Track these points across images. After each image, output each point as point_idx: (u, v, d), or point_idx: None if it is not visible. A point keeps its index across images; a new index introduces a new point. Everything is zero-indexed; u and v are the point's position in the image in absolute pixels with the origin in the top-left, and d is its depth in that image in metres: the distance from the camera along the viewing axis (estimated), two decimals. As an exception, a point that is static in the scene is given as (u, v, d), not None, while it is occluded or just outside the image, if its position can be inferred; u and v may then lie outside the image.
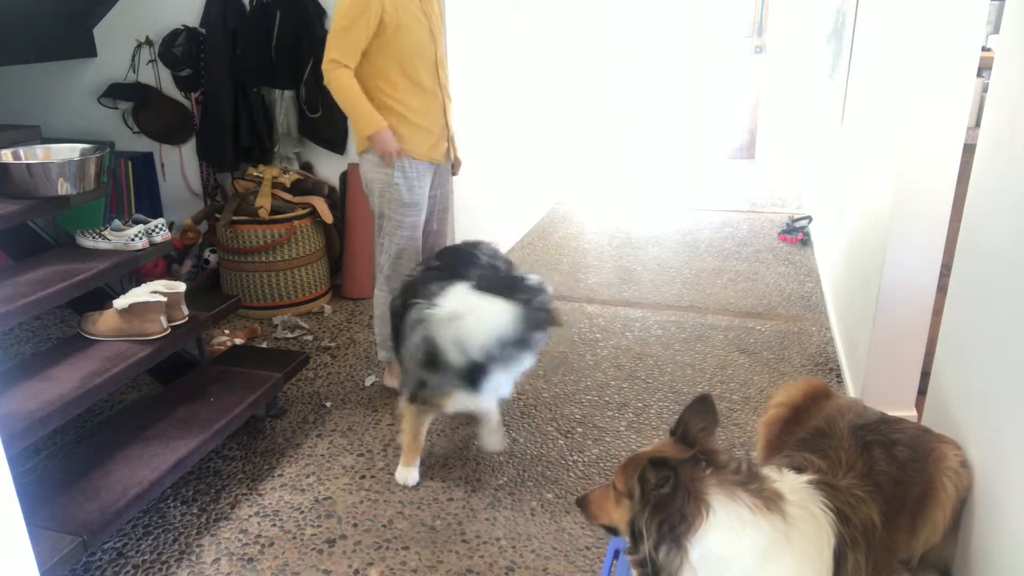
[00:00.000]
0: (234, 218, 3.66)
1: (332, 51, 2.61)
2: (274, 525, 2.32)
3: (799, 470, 1.70)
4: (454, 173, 3.10)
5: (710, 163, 7.07)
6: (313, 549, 2.21)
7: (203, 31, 3.89)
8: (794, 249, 4.74)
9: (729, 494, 1.50)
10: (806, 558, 1.53)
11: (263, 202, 3.67)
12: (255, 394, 2.63)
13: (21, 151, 2.66)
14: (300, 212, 3.74)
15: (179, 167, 4.25)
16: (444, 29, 2.92)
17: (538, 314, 2.31)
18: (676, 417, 1.68)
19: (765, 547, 1.50)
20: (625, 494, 1.59)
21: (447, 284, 2.37)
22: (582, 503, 1.76)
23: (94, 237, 2.70)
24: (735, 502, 1.50)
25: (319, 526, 2.31)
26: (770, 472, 1.64)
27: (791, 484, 1.62)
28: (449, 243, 3.05)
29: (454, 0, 3.60)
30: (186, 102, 4.08)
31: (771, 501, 1.53)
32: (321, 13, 3.71)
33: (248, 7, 3.80)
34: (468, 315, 2.26)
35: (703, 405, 1.63)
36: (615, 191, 6.26)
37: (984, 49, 2.33)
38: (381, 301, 2.95)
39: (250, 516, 2.36)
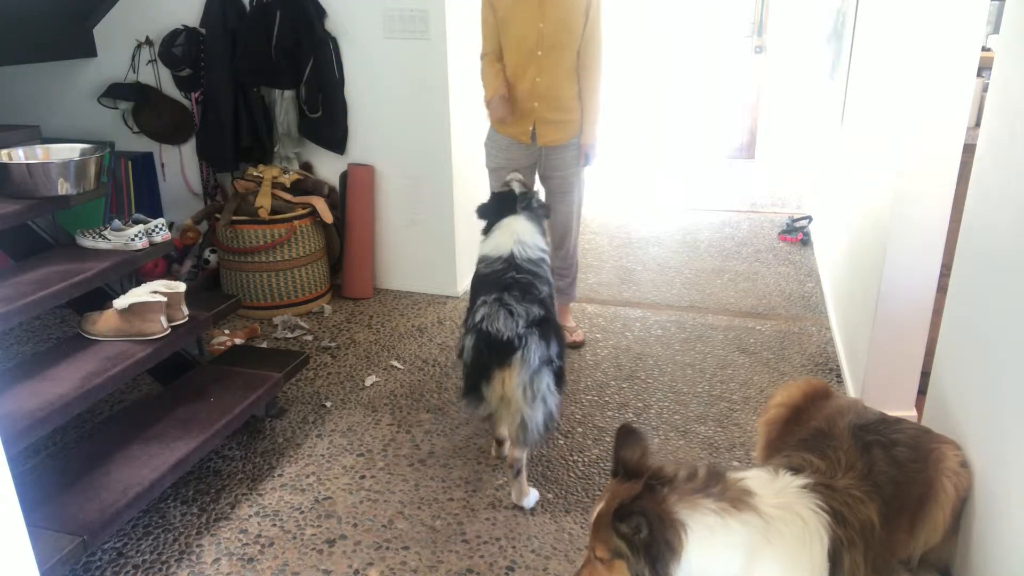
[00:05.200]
0: (234, 218, 3.66)
1: (482, 47, 3.14)
2: (274, 525, 2.32)
3: (797, 470, 1.70)
4: (586, 164, 3.27)
5: (710, 163, 7.07)
6: (313, 549, 2.21)
7: (203, 31, 3.89)
8: (794, 249, 4.74)
9: (692, 506, 1.49)
10: (793, 559, 1.53)
11: (263, 202, 3.67)
12: (255, 394, 2.63)
13: (21, 151, 2.67)
14: (300, 212, 3.74)
15: (179, 167, 4.25)
16: (588, 23, 3.04)
17: None
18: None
19: (746, 548, 1.49)
20: (611, 556, 1.54)
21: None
22: None
23: (94, 237, 2.70)
24: (699, 512, 1.49)
25: (319, 526, 2.31)
26: (735, 472, 1.64)
27: (777, 487, 1.62)
28: (572, 229, 3.39)
29: (456, 3, 3.60)
30: (186, 102, 4.08)
31: (738, 500, 1.52)
32: (321, 13, 3.71)
33: (248, 7, 3.80)
34: None
35: (628, 434, 1.62)
36: (615, 191, 6.26)
37: (984, 49, 2.33)
38: None
39: (250, 516, 2.36)
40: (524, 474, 2.36)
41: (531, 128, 3.13)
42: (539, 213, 2.84)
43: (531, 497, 2.38)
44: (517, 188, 2.91)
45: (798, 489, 1.62)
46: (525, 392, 2.22)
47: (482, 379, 2.26)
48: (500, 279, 2.47)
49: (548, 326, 2.32)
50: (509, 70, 3.08)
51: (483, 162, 3.34)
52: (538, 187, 3.38)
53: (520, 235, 2.66)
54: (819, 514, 1.58)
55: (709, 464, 1.61)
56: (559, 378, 2.35)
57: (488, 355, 2.24)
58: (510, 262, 2.56)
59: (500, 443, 2.59)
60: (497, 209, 2.83)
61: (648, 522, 1.45)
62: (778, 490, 1.61)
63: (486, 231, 2.83)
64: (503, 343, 2.22)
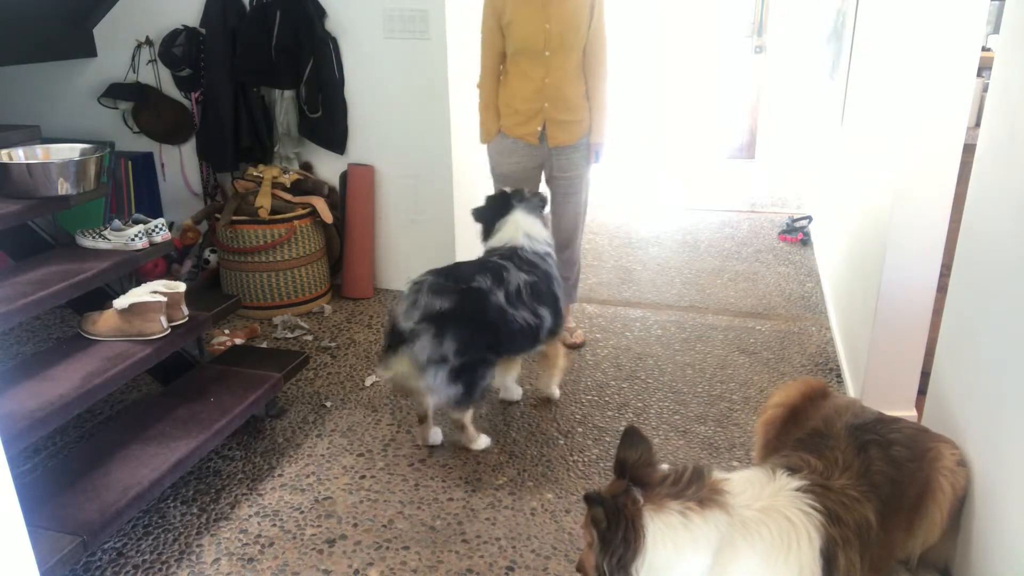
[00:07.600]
0: (234, 218, 3.67)
1: (481, 68, 3.15)
2: (274, 525, 2.32)
3: (795, 470, 1.70)
4: (595, 161, 3.28)
5: (710, 163, 7.07)
6: (313, 549, 2.21)
7: (203, 31, 3.89)
8: (794, 249, 4.74)
9: (657, 508, 1.54)
10: (775, 557, 1.54)
11: (263, 202, 3.67)
12: (255, 394, 2.63)
13: (21, 151, 2.67)
14: (300, 212, 3.74)
15: (179, 167, 4.25)
16: (593, 22, 3.06)
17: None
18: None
19: (712, 544, 1.53)
20: (591, 542, 1.62)
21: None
22: (580, 567, 1.78)
23: (94, 237, 2.70)
24: (663, 513, 1.53)
25: (319, 526, 2.31)
26: (721, 472, 1.67)
27: (771, 489, 1.63)
28: (578, 231, 3.39)
29: (456, 3, 3.60)
30: (186, 102, 4.08)
31: (707, 499, 1.56)
32: (321, 13, 3.71)
33: (248, 7, 3.80)
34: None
35: (632, 437, 1.66)
36: (615, 191, 6.26)
37: (984, 49, 2.33)
38: None
39: (250, 516, 2.36)
40: (468, 426, 2.66)
41: (540, 128, 3.12)
42: (536, 204, 2.90)
43: (481, 441, 2.69)
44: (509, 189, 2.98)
45: (791, 491, 1.63)
46: (418, 380, 2.47)
47: (388, 353, 2.53)
48: (485, 263, 2.64)
49: (447, 323, 2.41)
50: (516, 71, 3.07)
51: (484, 161, 3.34)
52: (543, 189, 3.37)
53: (526, 228, 2.78)
54: (811, 514, 1.59)
55: (696, 465, 1.64)
56: (457, 375, 2.45)
57: (388, 338, 2.54)
58: (513, 251, 2.70)
59: (421, 421, 2.72)
60: (494, 209, 2.88)
61: (606, 512, 1.53)
62: (771, 492, 1.62)
63: (486, 235, 2.87)
64: (399, 332, 2.47)
